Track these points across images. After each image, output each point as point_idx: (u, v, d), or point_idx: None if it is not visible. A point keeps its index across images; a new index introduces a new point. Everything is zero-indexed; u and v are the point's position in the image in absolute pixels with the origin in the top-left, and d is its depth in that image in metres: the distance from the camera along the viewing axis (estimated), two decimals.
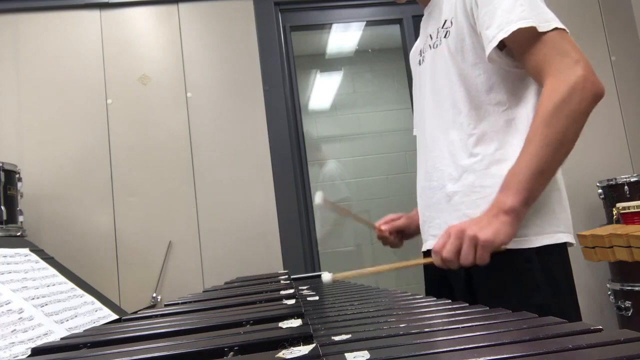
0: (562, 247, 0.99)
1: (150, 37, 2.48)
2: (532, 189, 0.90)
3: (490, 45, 0.95)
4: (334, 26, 3.30)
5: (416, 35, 2.66)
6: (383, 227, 1.28)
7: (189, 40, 2.49)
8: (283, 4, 2.63)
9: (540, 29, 0.92)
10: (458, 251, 0.90)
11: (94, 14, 2.45)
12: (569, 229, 1.01)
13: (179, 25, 2.49)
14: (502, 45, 0.97)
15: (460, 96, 1.04)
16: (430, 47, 1.13)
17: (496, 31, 0.94)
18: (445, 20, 1.07)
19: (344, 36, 3.74)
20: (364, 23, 3.12)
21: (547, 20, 0.93)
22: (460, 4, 1.02)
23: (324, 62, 4.05)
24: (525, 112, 0.99)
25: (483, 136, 1.02)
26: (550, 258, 0.97)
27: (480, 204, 0.99)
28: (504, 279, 0.98)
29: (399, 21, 2.80)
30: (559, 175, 1.03)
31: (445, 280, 1.12)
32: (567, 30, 0.95)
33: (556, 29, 0.93)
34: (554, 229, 0.98)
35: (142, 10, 2.49)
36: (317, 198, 1.18)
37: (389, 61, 3.95)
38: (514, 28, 0.92)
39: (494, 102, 1.01)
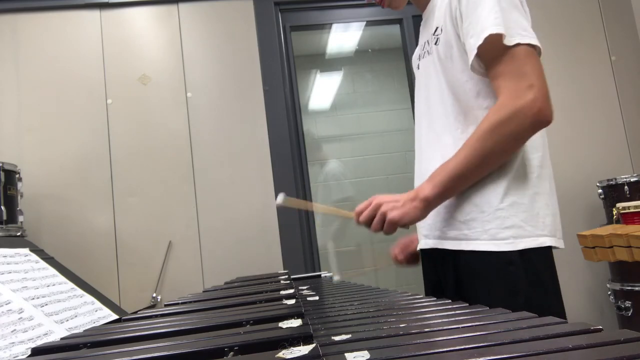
0: (546, 251, 1.00)
1: (150, 37, 2.48)
2: (449, 187, 0.99)
3: (471, 55, 0.97)
4: (334, 26, 3.30)
5: (416, 35, 2.66)
6: (399, 257, 1.31)
7: (189, 40, 2.49)
8: (283, 4, 2.63)
9: (506, 42, 0.93)
10: (370, 220, 1.03)
11: (94, 14, 2.45)
12: (554, 233, 1.01)
13: (179, 25, 2.49)
14: None
15: (449, 102, 1.06)
16: (425, 54, 1.15)
17: (475, 40, 0.96)
18: (437, 28, 1.08)
19: (344, 36, 3.74)
20: (364, 23, 3.13)
21: (512, 35, 0.94)
22: (448, 12, 1.04)
23: (324, 62, 4.05)
24: None
25: None
26: (533, 261, 0.98)
27: None
28: (488, 281, 0.99)
29: (399, 21, 2.80)
30: (549, 178, 1.04)
31: (439, 284, 1.14)
32: (537, 46, 0.96)
33: (519, 44, 0.94)
34: (538, 233, 0.98)
35: (142, 10, 2.49)
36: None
37: (389, 61, 3.95)
38: (486, 34, 0.93)
39: (482, 107, 1.02)
